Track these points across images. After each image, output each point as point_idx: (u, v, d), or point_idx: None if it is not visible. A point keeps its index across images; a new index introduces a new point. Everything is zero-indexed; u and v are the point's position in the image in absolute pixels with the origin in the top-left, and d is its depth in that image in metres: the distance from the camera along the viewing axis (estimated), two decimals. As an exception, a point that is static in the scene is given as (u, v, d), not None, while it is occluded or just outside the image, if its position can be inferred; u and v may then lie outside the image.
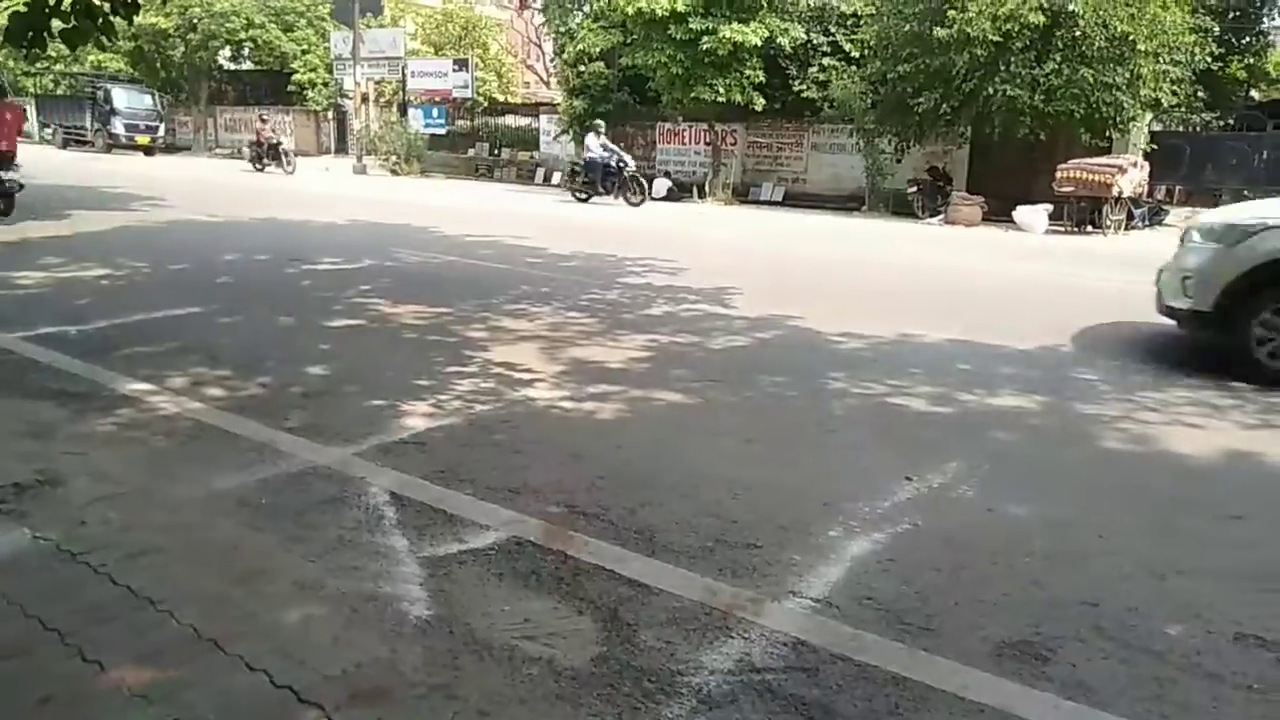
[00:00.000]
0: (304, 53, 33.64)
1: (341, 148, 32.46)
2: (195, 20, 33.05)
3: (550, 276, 8.90)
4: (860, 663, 2.46)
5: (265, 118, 26.72)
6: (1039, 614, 2.75)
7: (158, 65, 35.11)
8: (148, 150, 31.00)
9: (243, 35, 33.66)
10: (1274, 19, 24.38)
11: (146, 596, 2.62)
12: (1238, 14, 22.02)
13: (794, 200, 21.46)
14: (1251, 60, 23.63)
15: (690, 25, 19.24)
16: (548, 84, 35.60)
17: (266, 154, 25.10)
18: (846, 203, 20.39)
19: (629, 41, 21.09)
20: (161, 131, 32.32)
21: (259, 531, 3.12)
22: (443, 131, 29.23)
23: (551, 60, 31.93)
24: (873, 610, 2.75)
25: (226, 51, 35.67)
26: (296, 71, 33.25)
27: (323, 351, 5.66)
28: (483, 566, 2.92)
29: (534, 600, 2.73)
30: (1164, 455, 4.33)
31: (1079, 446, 4.43)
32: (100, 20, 5.31)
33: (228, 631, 2.45)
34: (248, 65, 37.00)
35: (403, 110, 29.70)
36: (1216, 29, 17.51)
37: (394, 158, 27.89)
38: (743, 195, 22.18)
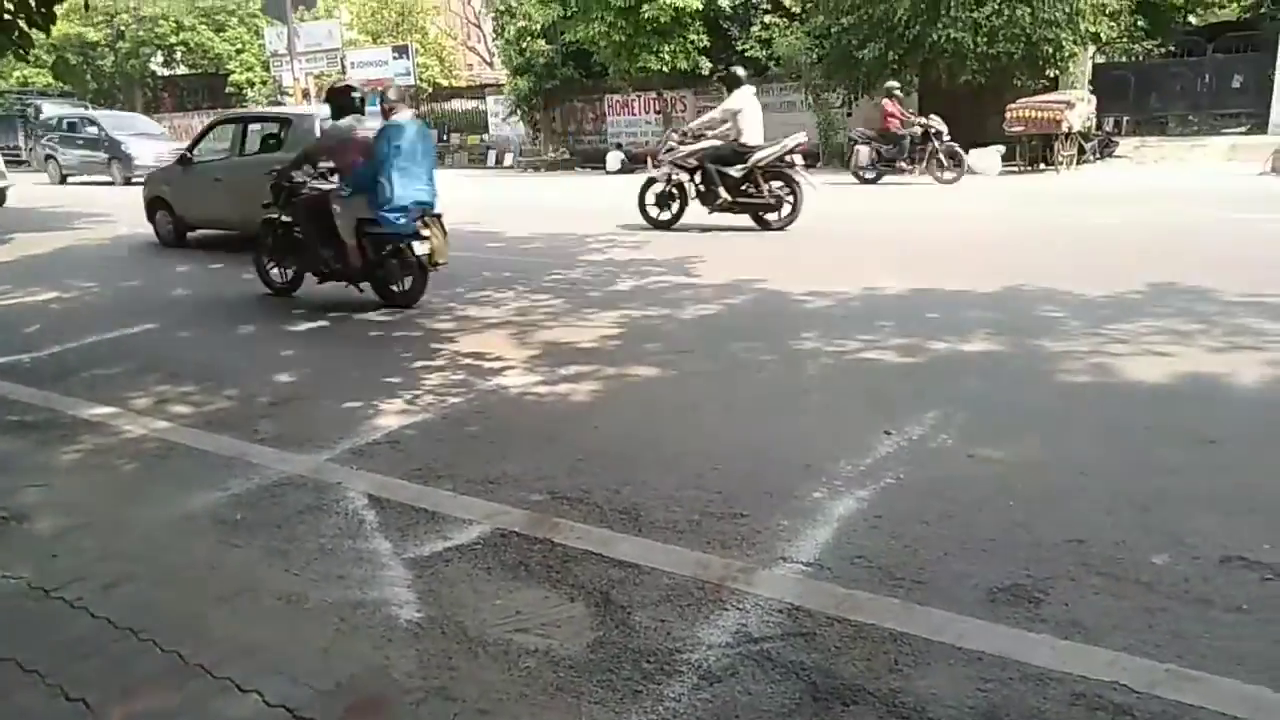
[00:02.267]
0: (239, 52, 32.82)
1: (287, 146, 31.77)
2: (123, 28, 32.11)
3: (512, 260, 8.79)
4: (857, 622, 2.46)
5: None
6: (1028, 556, 2.77)
7: (87, 76, 34.11)
8: (86, 165, 30.11)
9: (173, 40, 32.76)
10: (1206, -58, 24.54)
11: (127, 626, 2.55)
12: (1171, -61, 22.13)
13: (749, 162, 21.40)
14: (1187, -15, 23.83)
15: (628, -7, 19.01)
16: (491, 64, 35.06)
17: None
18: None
19: (569, 15, 20.80)
20: (99, 144, 31.40)
21: (237, 548, 3.05)
22: (389, 121, 28.74)
23: (493, 40, 31.43)
24: (864, 568, 2.75)
25: (159, 57, 34.73)
26: (233, 72, 32.46)
27: (287, 357, 5.54)
28: (469, 562, 2.88)
29: (524, 591, 2.70)
30: (1136, 386, 4.38)
31: (1053, 385, 4.46)
32: (15, 34, 5.10)
33: (214, 655, 2.40)
34: (182, 70, 36.06)
35: (346, 103, 29.12)
36: (1152, -45, 17.60)
37: (341, 152, 27.35)
38: (697, 161, 22.07)
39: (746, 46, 19.76)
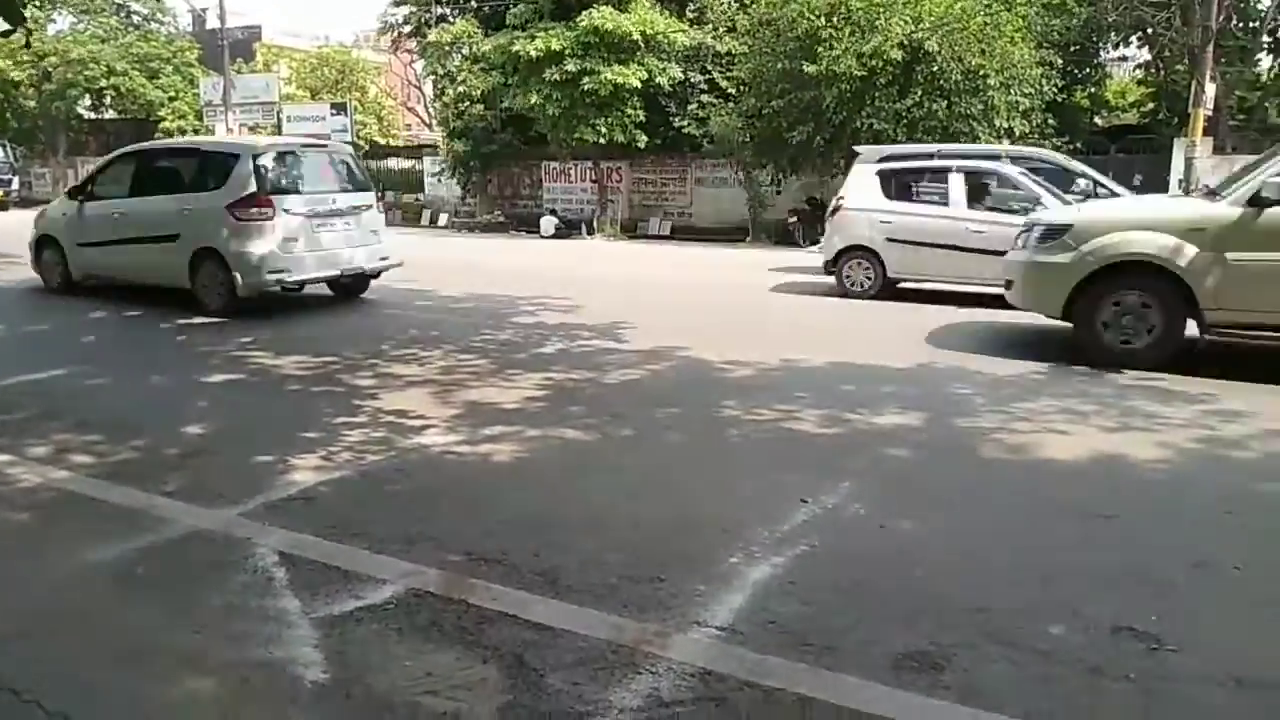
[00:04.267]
0: (171, 99, 32.42)
1: (215, 196, 31.30)
2: (50, 69, 31.46)
3: (440, 319, 8.78)
4: (767, 687, 2.49)
5: None
6: (933, 624, 2.85)
7: (7, 115, 33.21)
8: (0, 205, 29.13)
9: (103, 83, 32.19)
10: (1108, 52, 26.51)
11: (8, 686, 2.43)
12: (1078, 47, 23.76)
13: (681, 234, 21.86)
14: (1093, 90, 25.62)
15: (566, 67, 19.49)
16: (430, 126, 35.37)
17: None
18: (732, 234, 20.89)
19: (509, 83, 21.19)
20: (15, 185, 30.43)
21: (138, 605, 2.94)
22: (322, 176, 28.63)
23: (432, 102, 31.78)
24: (777, 634, 2.79)
25: (86, 100, 34.05)
26: (164, 119, 31.99)
27: (201, 409, 5.40)
28: (381, 622, 2.83)
29: (436, 653, 2.66)
30: (1039, 463, 4.57)
31: (961, 459, 4.63)
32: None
33: (105, 718, 2.29)
34: (110, 114, 35.39)
35: (279, 156, 28.95)
36: (1060, 62, 18.84)
37: (272, 205, 27.07)
38: (631, 230, 22.47)
39: (683, 124, 20.40)
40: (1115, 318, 6.59)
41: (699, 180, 22.49)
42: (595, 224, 22.28)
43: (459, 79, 22.83)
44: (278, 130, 28.62)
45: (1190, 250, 6.28)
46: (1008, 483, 4.31)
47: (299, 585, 3.06)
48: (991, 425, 5.15)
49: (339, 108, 28.38)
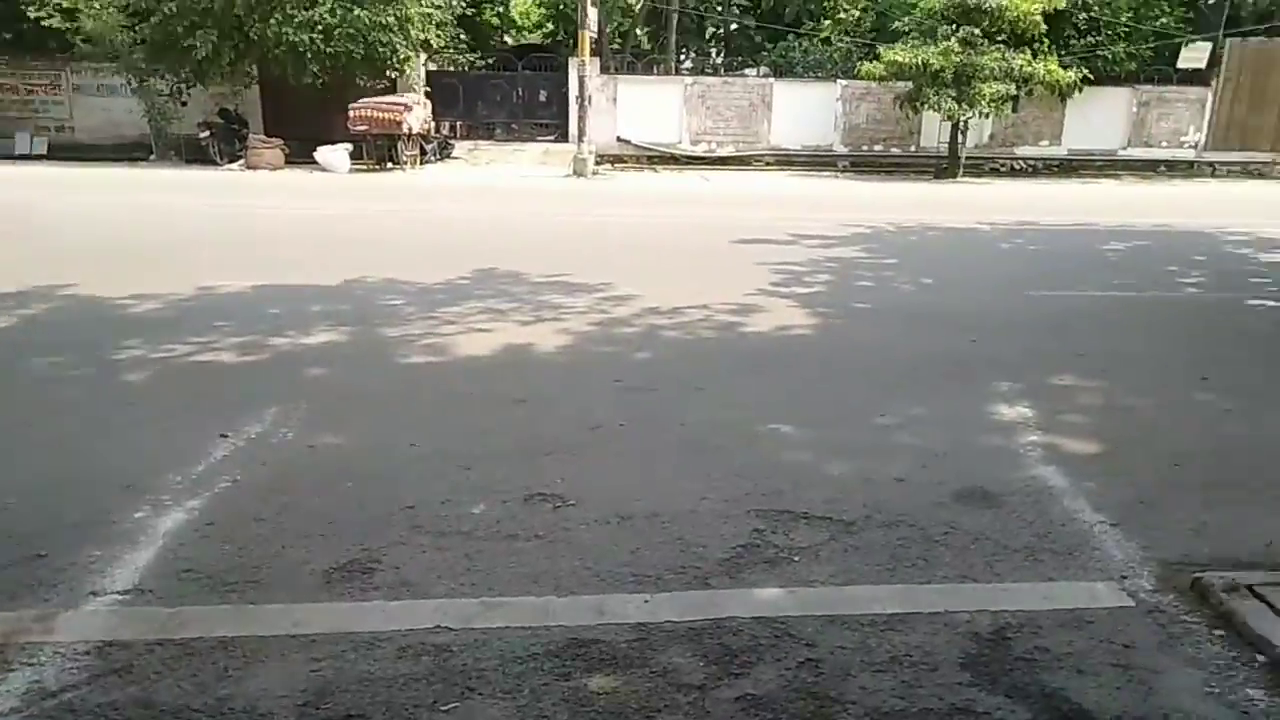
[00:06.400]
0: None
1: None
2: None
3: None
4: (182, 640, 2.27)
5: None
6: (363, 531, 2.86)
7: None
8: None
9: None
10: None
11: None
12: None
13: (63, 153, 18.38)
14: (500, 9, 27.19)
15: None
16: None
17: None
18: (132, 152, 18.21)
19: None
20: None
21: None
22: None
23: None
24: (193, 582, 2.55)
25: None
26: None
27: None
28: None
29: None
30: (463, 361, 4.83)
31: (391, 368, 4.69)
32: None
33: None
34: None
35: None
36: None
37: None
38: (-9, 150, 18.26)
39: (43, 15, 16.85)
40: None
41: (79, 88, 19.06)
42: (-66, 141, 17.65)
43: None
44: None
45: None
46: (432, 384, 4.48)
47: None
48: (419, 331, 5.30)
49: None
